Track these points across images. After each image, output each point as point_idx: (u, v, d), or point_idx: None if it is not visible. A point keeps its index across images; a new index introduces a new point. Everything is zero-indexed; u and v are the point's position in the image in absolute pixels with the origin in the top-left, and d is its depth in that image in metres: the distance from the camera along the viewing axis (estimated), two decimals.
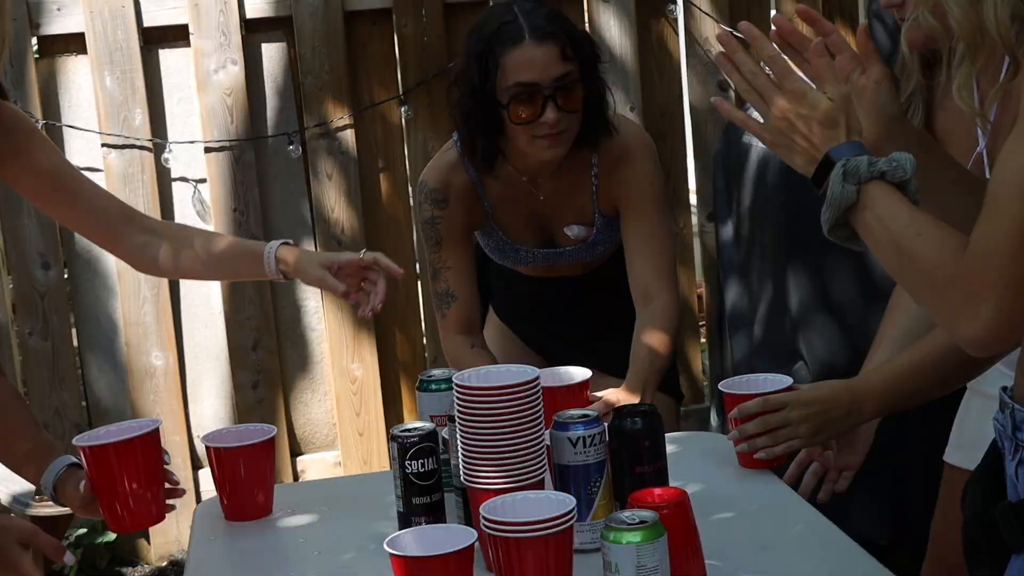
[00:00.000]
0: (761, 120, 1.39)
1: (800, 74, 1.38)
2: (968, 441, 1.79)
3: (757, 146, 3.16)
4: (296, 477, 3.49)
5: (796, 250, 3.07)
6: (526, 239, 2.47)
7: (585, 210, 2.42)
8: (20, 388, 3.37)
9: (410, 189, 3.47)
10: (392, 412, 3.45)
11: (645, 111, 3.52)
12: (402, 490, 1.80)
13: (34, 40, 3.30)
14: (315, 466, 3.48)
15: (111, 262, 3.35)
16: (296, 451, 3.51)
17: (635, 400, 2.18)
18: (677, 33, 3.60)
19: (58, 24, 3.29)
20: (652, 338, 2.30)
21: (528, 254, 2.48)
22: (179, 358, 3.44)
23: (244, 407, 3.43)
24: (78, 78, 3.36)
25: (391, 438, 1.84)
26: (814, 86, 1.36)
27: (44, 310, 3.36)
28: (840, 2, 3.67)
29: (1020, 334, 1.17)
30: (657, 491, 1.67)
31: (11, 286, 3.43)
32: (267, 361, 3.46)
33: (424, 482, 1.78)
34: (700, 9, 3.51)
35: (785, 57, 1.41)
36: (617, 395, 2.20)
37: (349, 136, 3.42)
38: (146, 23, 3.31)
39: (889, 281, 2.86)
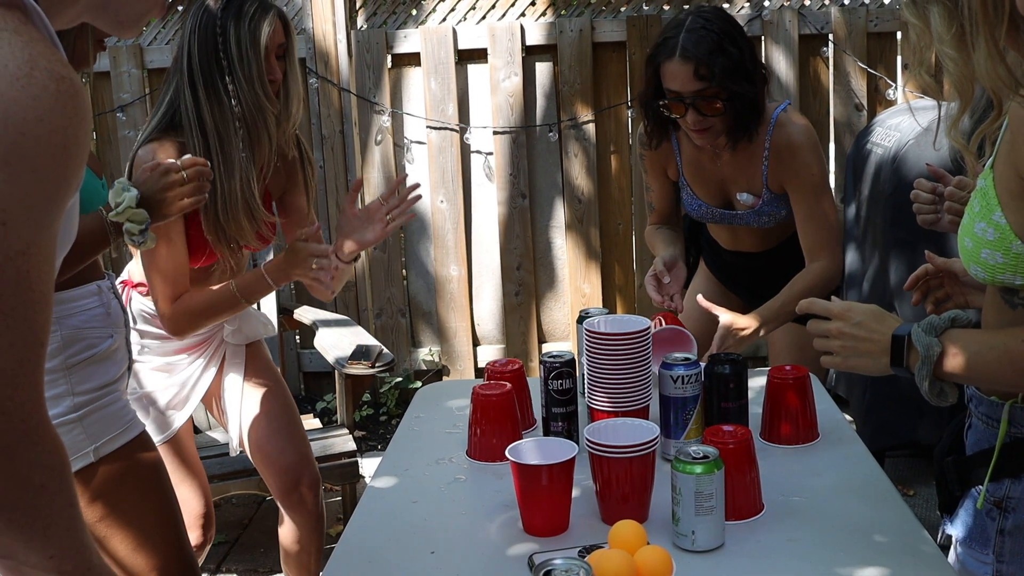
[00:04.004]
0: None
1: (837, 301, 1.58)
2: None
3: (875, 152, 3.71)
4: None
5: (897, 232, 3.49)
6: (708, 197, 2.72)
7: (755, 182, 2.64)
8: (366, 284, 4.61)
9: (632, 167, 4.53)
10: None
11: None
12: (545, 401, 2.01)
13: (388, 57, 4.53)
14: (553, 350, 4.61)
15: (427, 205, 4.58)
16: (542, 340, 4.73)
17: (747, 325, 2.43)
18: (828, 67, 4.47)
19: (404, 47, 4.52)
20: (801, 283, 2.55)
21: (709, 210, 2.73)
22: (468, 271, 4.66)
23: (509, 308, 4.69)
24: (415, 82, 4.55)
25: (540, 361, 2.02)
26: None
27: None
28: (882, 53, 4.41)
29: None
30: (727, 428, 1.76)
31: None
32: (526, 278, 4.66)
33: (562, 397, 2.00)
34: (845, 52, 4.41)
35: None
36: (735, 319, 2.43)
37: (591, 128, 4.51)
38: (460, 46, 4.50)
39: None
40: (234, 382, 2.74)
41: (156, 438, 2.58)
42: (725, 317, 2.39)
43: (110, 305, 2.10)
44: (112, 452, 2.04)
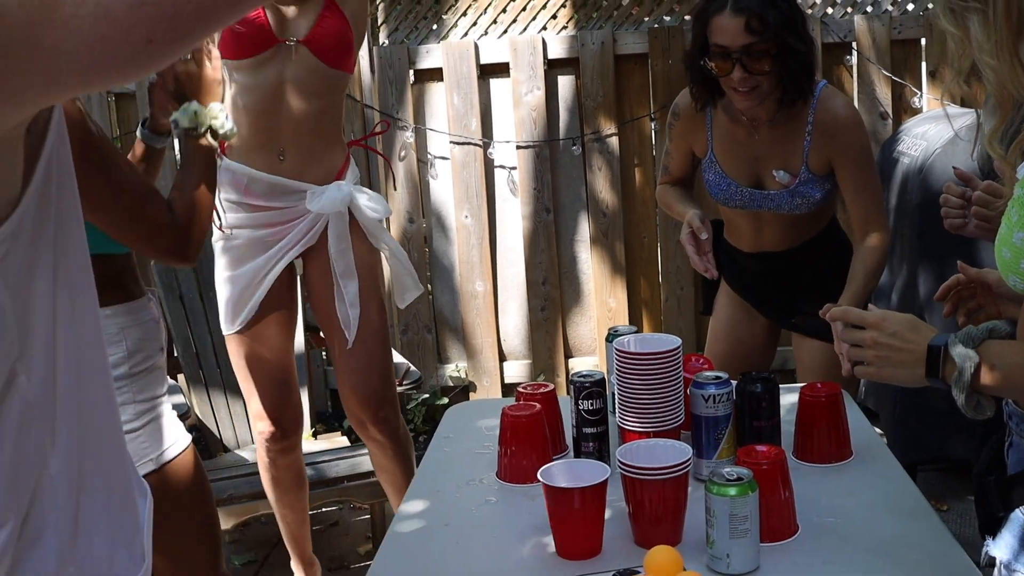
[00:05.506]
0: None
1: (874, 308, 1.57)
2: None
3: (903, 161, 3.68)
4: (568, 373, 4.68)
5: (926, 242, 3.47)
6: (739, 176, 2.67)
7: (794, 160, 2.60)
8: (392, 300, 4.62)
9: (656, 180, 4.50)
10: None
11: None
12: (576, 421, 1.99)
13: (411, 73, 4.55)
14: (580, 365, 4.63)
15: (452, 221, 4.60)
16: (568, 355, 4.72)
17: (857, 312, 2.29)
18: (852, 76, 4.46)
19: (426, 62, 4.54)
20: (868, 263, 2.61)
21: (738, 190, 2.68)
22: (493, 287, 4.66)
23: (535, 323, 4.69)
24: (437, 97, 4.56)
25: (570, 381, 2.02)
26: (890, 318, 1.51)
27: (408, 249, 4.58)
28: (906, 61, 4.39)
29: None
30: (760, 448, 1.75)
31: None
32: (552, 293, 4.66)
33: (592, 417, 1.97)
34: (868, 60, 4.39)
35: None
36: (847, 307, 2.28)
37: (614, 141, 4.52)
38: (482, 61, 4.50)
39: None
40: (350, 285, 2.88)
41: (235, 323, 2.86)
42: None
43: (159, 319, 2.13)
44: (169, 461, 2.07)
